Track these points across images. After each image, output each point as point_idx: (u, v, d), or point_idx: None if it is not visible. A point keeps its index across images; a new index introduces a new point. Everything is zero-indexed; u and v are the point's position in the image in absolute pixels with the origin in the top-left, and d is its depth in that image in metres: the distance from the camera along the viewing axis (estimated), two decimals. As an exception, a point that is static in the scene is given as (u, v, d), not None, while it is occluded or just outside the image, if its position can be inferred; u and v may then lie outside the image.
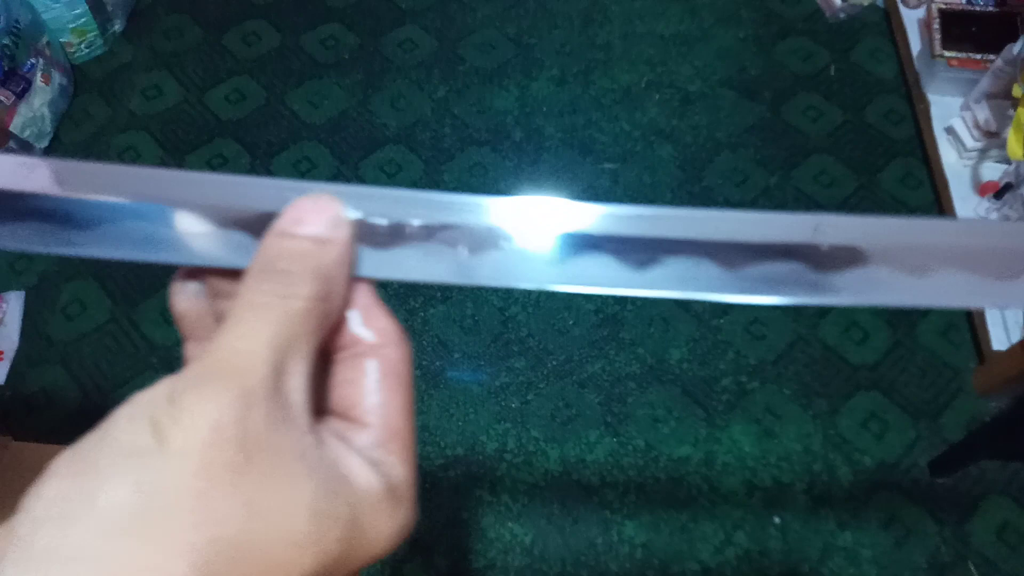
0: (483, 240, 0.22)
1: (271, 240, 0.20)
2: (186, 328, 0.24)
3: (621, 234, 0.22)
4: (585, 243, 0.22)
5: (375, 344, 0.21)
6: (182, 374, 0.18)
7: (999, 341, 1.15)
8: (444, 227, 0.22)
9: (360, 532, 0.18)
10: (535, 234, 0.22)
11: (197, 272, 0.23)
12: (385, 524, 0.19)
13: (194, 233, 0.22)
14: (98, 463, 0.16)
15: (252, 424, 0.17)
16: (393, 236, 0.22)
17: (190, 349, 0.24)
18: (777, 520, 1.08)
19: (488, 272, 0.22)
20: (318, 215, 0.20)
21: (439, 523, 1.08)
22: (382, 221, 0.22)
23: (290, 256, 0.20)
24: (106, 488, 0.16)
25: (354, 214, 0.21)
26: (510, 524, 1.08)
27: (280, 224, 0.20)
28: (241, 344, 0.18)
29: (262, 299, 0.19)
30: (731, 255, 0.22)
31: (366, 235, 0.22)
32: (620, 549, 1.06)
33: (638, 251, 0.22)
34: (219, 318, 0.23)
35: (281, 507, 0.17)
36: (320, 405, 0.22)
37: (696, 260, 0.22)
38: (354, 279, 0.21)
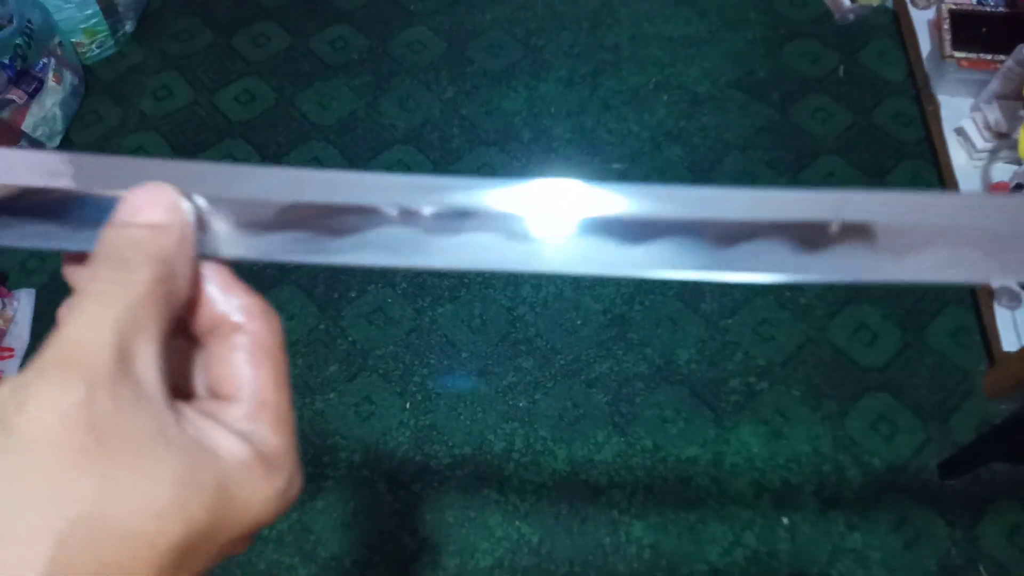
0: (466, 222, 0.22)
1: (110, 231, 0.21)
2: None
3: (616, 215, 0.22)
4: (589, 226, 0.22)
5: (240, 322, 0.22)
6: (26, 369, 0.18)
7: (1009, 343, 1.14)
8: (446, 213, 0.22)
9: (229, 499, 0.19)
10: (532, 217, 0.22)
11: (79, 257, 0.23)
12: (259, 490, 0.20)
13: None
14: None
15: (99, 407, 0.17)
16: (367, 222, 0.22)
17: None
18: (786, 521, 1.08)
19: (471, 255, 0.22)
20: (154, 203, 0.21)
21: (447, 522, 1.08)
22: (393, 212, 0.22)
23: (127, 243, 0.20)
24: None
25: (198, 200, 0.21)
26: (518, 523, 1.08)
27: (118, 215, 0.21)
28: (83, 332, 0.18)
29: (101, 287, 0.19)
30: (722, 233, 0.22)
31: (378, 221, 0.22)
32: (628, 550, 1.06)
33: (634, 231, 0.22)
34: None
35: (138, 481, 0.17)
36: (188, 386, 0.23)
37: (686, 239, 0.22)
38: (204, 258, 0.22)
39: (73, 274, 0.23)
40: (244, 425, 0.21)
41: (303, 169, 0.22)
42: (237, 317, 0.22)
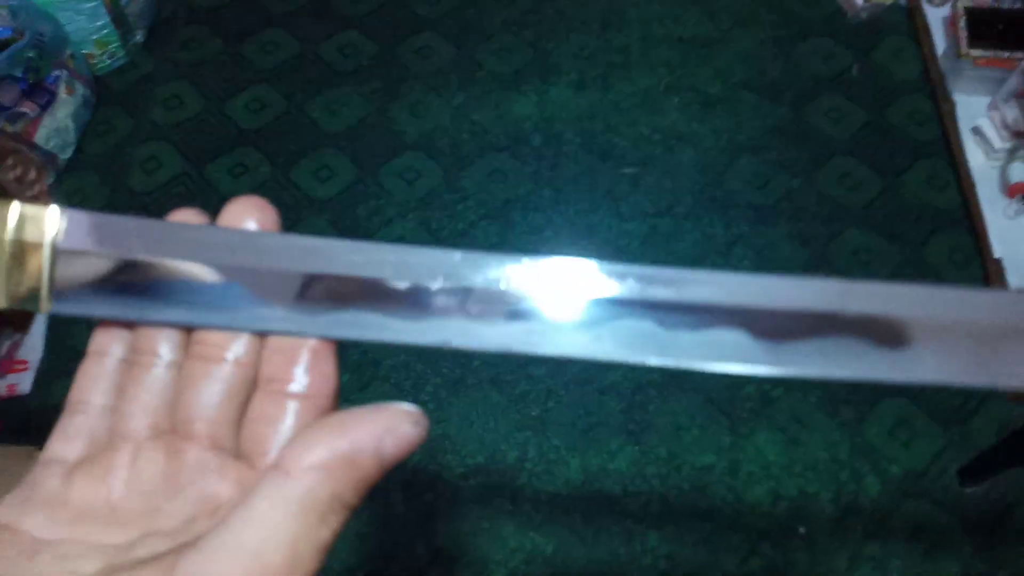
0: (507, 305, 0.21)
1: (364, 459, 0.20)
2: (79, 393, 0.22)
3: (657, 299, 0.21)
4: (618, 309, 0.21)
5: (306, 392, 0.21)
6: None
7: (1030, 346, 1.12)
8: (467, 290, 0.21)
9: None
10: (562, 300, 0.21)
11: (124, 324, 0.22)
12: None
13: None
14: None
15: None
16: (414, 301, 0.21)
17: (74, 407, 0.22)
18: (803, 530, 1.07)
19: (518, 340, 0.21)
20: (408, 445, 0.20)
21: (461, 532, 1.08)
22: (401, 284, 0.21)
23: (366, 482, 0.20)
24: None
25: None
26: (532, 534, 1.07)
27: (381, 443, 0.20)
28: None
29: (323, 535, 0.19)
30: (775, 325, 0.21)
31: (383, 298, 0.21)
32: (643, 560, 1.05)
33: (677, 317, 0.21)
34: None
35: None
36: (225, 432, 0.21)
37: (736, 330, 0.21)
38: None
39: (108, 334, 0.22)
40: None
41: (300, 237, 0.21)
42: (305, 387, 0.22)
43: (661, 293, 0.21)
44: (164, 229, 0.22)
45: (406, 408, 0.19)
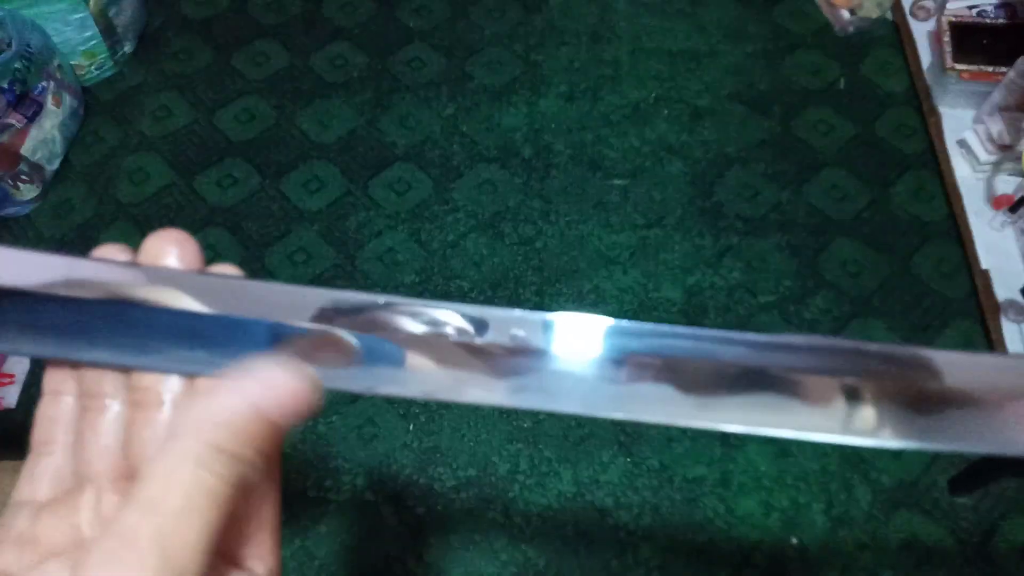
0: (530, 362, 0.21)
1: (245, 414, 0.20)
2: (42, 434, 0.23)
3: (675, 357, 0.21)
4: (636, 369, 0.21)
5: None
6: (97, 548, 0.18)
7: (1018, 357, 1.13)
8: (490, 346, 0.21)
9: None
10: (579, 355, 0.21)
11: (72, 365, 0.22)
12: None
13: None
14: None
15: None
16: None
17: (39, 449, 0.23)
18: (795, 541, 1.07)
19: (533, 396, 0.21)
20: (297, 402, 0.20)
21: (452, 545, 1.07)
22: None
23: (258, 439, 0.20)
24: None
25: None
26: (523, 547, 1.06)
27: (257, 400, 0.20)
28: (183, 536, 0.18)
29: (216, 485, 0.19)
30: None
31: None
32: (635, 572, 1.05)
33: (694, 381, 0.21)
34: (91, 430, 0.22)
35: None
36: None
37: (765, 395, 0.21)
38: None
39: (57, 375, 0.22)
40: None
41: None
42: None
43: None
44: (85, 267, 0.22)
45: (286, 369, 0.20)
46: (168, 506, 0.18)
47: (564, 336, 0.21)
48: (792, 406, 0.20)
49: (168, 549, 0.17)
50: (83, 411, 0.22)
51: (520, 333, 0.21)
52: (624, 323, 0.21)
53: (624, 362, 0.21)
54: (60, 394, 0.23)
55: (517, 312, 0.21)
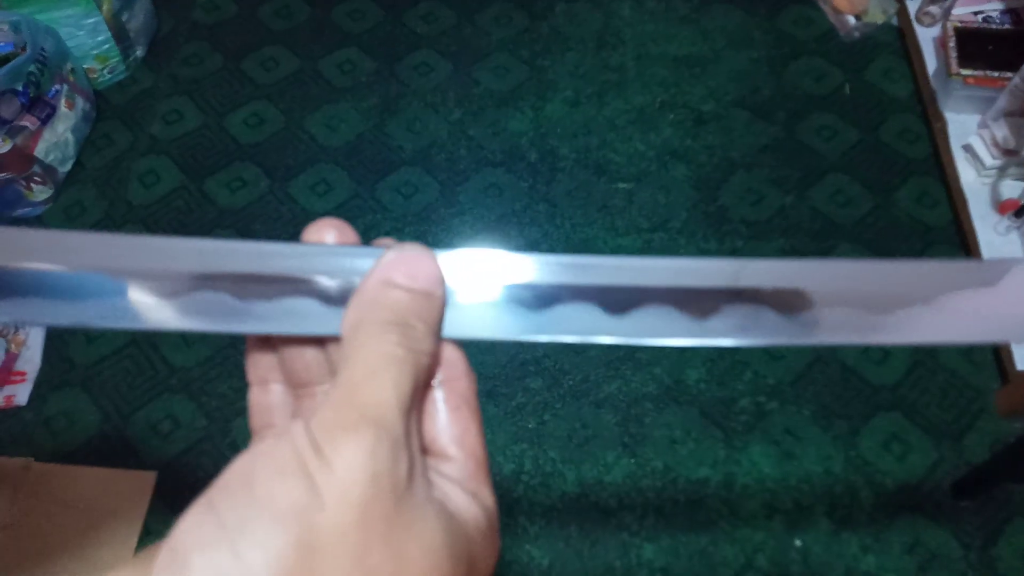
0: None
1: (385, 290, 0.21)
2: (259, 420, 0.24)
3: (594, 284, 0.23)
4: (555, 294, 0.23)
5: (446, 377, 0.22)
6: (318, 419, 0.18)
7: (1023, 361, 1.13)
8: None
9: (474, 567, 0.19)
10: (487, 287, 0.23)
11: (267, 341, 0.23)
12: (490, 555, 0.20)
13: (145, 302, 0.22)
14: (253, 526, 0.16)
15: (400, 473, 0.17)
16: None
17: (263, 432, 0.24)
18: (798, 543, 1.07)
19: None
20: (424, 271, 0.21)
21: (456, 546, 1.07)
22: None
23: (412, 311, 0.20)
24: (267, 552, 0.16)
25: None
26: (527, 547, 1.07)
27: (390, 274, 0.21)
28: (379, 394, 0.18)
29: (394, 351, 0.19)
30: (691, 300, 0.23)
31: None
32: (639, 573, 1.05)
33: (614, 300, 0.23)
34: (300, 405, 0.24)
35: (424, 555, 0.17)
36: None
37: (660, 307, 0.23)
38: None
39: (260, 363, 0.24)
40: (468, 484, 0.21)
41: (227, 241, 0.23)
42: (445, 371, 0.22)
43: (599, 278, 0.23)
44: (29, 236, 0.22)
45: (401, 248, 0.22)
46: (359, 373, 0.19)
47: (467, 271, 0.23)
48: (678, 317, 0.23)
49: (368, 408, 0.18)
50: (297, 399, 0.23)
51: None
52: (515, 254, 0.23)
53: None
54: (268, 382, 0.24)
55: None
